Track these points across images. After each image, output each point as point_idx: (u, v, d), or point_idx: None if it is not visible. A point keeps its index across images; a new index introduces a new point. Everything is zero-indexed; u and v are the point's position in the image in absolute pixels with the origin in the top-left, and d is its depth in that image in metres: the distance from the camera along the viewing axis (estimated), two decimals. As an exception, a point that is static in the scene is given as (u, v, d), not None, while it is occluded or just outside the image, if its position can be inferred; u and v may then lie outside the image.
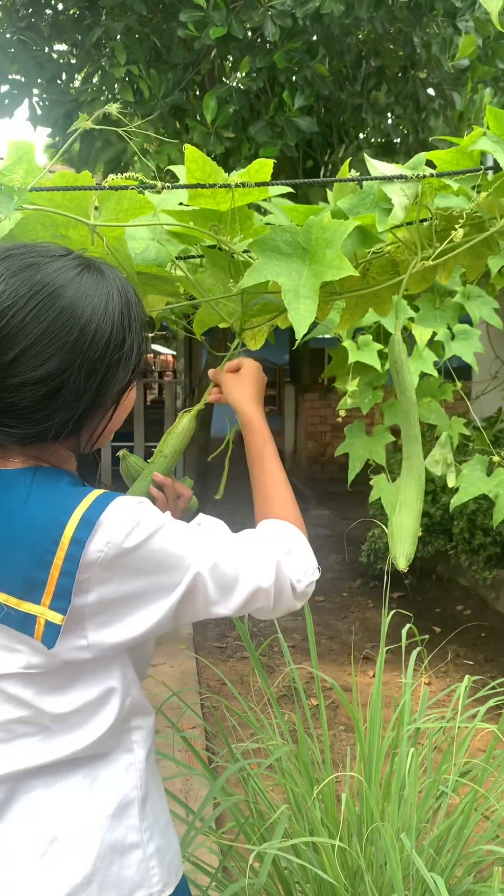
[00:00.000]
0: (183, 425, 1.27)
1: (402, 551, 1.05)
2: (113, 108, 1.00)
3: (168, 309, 2.74)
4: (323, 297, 1.37)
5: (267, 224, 1.28)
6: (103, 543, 0.85)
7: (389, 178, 1.22)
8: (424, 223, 1.34)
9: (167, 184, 1.17)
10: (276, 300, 1.33)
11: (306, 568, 0.99)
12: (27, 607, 0.85)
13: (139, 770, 0.97)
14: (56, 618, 0.84)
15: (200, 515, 1.00)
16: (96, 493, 0.89)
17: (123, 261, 1.23)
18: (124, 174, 1.16)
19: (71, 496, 0.88)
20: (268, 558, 0.96)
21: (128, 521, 0.87)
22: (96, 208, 1.18)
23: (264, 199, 1.33)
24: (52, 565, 0.84)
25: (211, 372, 1.30)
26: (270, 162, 1.15)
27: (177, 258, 1.35)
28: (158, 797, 1.01)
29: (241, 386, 1.22)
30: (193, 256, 1.40)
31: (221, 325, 1.45)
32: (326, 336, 2.27)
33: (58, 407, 0.89)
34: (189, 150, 1.12)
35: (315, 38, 4.23)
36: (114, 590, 0.87)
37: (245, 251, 1.27)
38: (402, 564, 1.05)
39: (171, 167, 1.33)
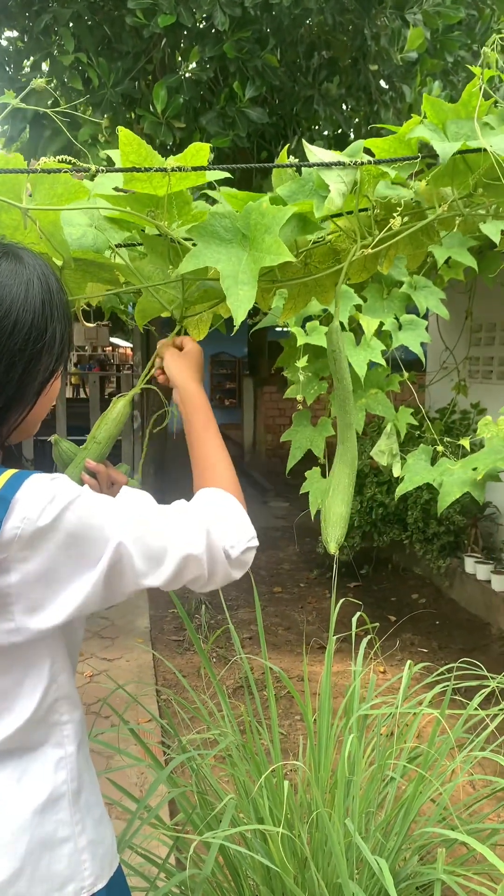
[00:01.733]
0: (117, 411, 1.25)
1: (332, 535, 1.06)
2: (38, 83, 0.97)
3: (116, 300, 2.70)
4: (264, 284, 1.37)
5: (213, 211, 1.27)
6: (19, 520, 0.83)
7: (328, 165, 1.22)
8: (364, 212, 1.34)
9: (102, 167, 1.15)
10: (217, 287, 1.31)
11: (240, 534, 0.96)
12: None
13: (70, 763, 0.95)
14: None
15: (124, 488, 0.97)
16: (10, 472, 0.87)
17: (59, 246, 1.21)
18: (58, 157, 1.14)
19: None
20: (197, 525, 0.93)
21: (42, 496, 0.85)
22: (30, 194, 1.15)
23: (211, 188, 1.32)
24: None
25: (160, 342, 1.28)
26: (206, 146, 1.14)
27: (118, 246, 1.33)
28: (92, 790, 1.00)
29: (183, 362, 1.21)
30: (135, 244, 1.38)
31: (163, 314, 1.43)
32: (286, 329, 2.26)
33: None
34: (123, 132, 1.10)
35: (265, 28, 4.22)
36: (36, 568, 0.85)
37: (186, 239, 1.25)
38: (333, 548, 1.05)
39: (108, 151, 1.30)
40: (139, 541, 0.89)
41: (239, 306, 1.10)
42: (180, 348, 1.25)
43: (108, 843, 1.00)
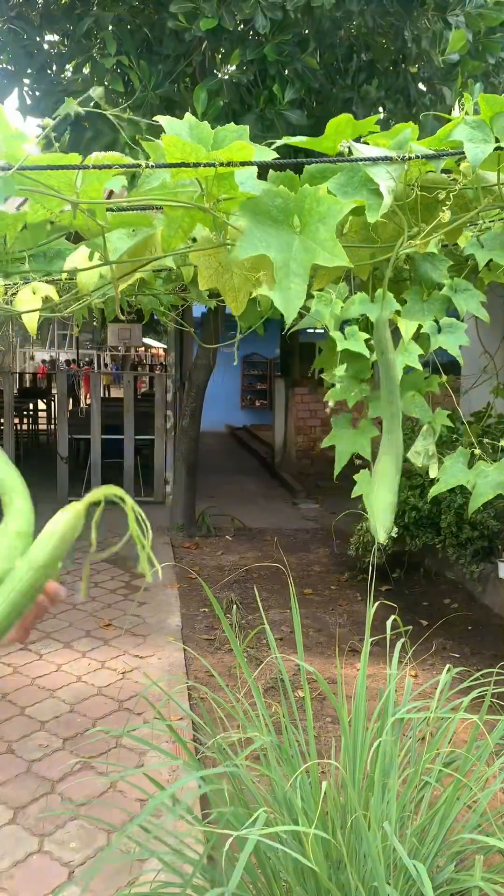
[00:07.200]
0: (63, 526, 0.76)
1: (381, 523, 1.05)
2: (98, 92, 0.99)
3: (156, 301, 2.73)
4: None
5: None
6: None
7: (374, 160, 1.21)
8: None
9: (150, 163, 1.15)
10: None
11: None
12: None
13: None
14: None
15: None
16: None
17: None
18: (106, 153, 1.15)
19: None
20: None
21: None
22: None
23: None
24: None
25: None
26: (250, 146, 1.13)
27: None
28: None
29: None
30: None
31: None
32: (318, 330, 2.26)
33: None
34: (167, 138, 1.08)
35: (306, 30, 4.23)
36: None
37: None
38: (382, 537, 1.04)
39: (146, 145, 1.28)
40: None
41: (290, 302, 1.02)
42: None
43: None
